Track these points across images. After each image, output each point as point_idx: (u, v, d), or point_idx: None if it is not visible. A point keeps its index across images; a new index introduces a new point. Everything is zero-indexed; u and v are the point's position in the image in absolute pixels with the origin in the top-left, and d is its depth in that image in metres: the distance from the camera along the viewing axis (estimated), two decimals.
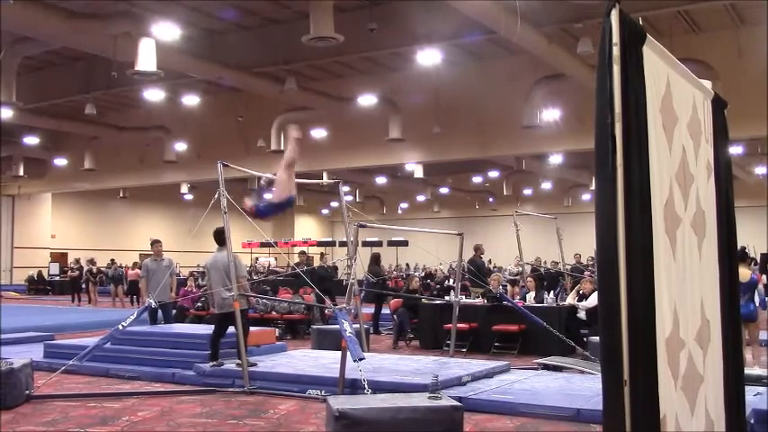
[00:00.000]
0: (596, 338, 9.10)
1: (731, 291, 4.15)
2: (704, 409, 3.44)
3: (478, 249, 14.93)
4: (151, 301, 9.62)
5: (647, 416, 2.80)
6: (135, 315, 8.70)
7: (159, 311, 10.95)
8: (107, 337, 8.67)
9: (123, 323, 8.55)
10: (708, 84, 4.20)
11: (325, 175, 23.10)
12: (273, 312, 14.09)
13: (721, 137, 4.22)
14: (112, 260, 27.09)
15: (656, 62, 3.26)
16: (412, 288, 13.93)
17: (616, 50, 2.89)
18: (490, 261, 28.94)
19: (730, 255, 4.18)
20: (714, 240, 3.88)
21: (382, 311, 14.83)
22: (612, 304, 2.79)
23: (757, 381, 7.32)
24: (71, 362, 8.37)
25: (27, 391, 7.49)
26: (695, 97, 3.83)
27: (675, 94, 3.46)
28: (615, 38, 2.90)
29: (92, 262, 23.96)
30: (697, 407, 3.35)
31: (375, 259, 16.20)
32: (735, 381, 3.90)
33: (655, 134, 3.12)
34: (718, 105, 4.25)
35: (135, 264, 24.77)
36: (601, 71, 2.93)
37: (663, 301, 3.01)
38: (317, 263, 19.01)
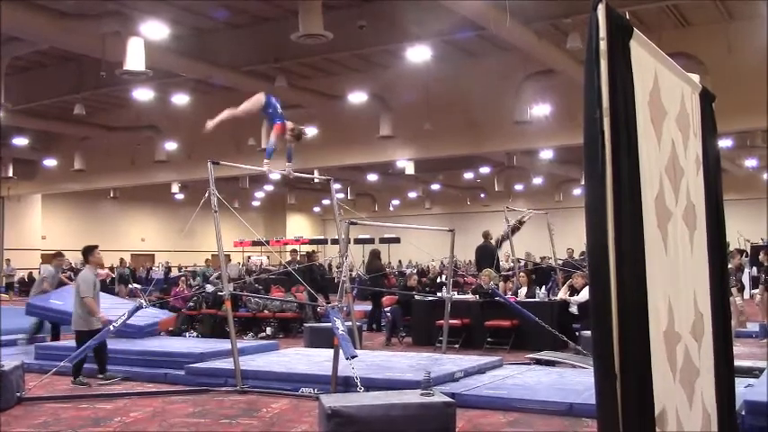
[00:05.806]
0: (588, 333, 9.13)
1: (721, 283, 4.16)
2: (701, 401, 3.45)
3: (488, 236, 14.69)
4: (143, 301, 9.58)
5: (641, 409, 2.80)
6: (126, 315, 8.68)
7: None
8: (98, 338, 8.64)
9: (114, 323, 8.54)
10: (696, 77, 4.19)
11: (316, 172, 23.06)
12: (266, 311, 14.07)
13: (709, 130, 4.22)
14: (122, 259, 26.89)
15: (644, 56, 3.25)
16: (410, 285, 13.92)
17: (603, 45, 2.88)
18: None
19: (720, 247, 4.19)
20: (704, 233, 3.88)
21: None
22: (603, 298, 2.78)
23: (748, 372, 7.36)
24: (62, 363, 8.34)
25: (18, 394, 7.46)
26: (683, 91, 3.83)
27: (663, 88, 3.45)
28: (602, 32, 2.88)
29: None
30: (694, 400, 3.36)
31: (375, 255, 16.36)
32: (726, 373, 3.91)
33: (643, 128, 3.11)
34: (706, 99, 4.24)
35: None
36: (588, 66, 2.92)
37: (657, 295, 3.01)
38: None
